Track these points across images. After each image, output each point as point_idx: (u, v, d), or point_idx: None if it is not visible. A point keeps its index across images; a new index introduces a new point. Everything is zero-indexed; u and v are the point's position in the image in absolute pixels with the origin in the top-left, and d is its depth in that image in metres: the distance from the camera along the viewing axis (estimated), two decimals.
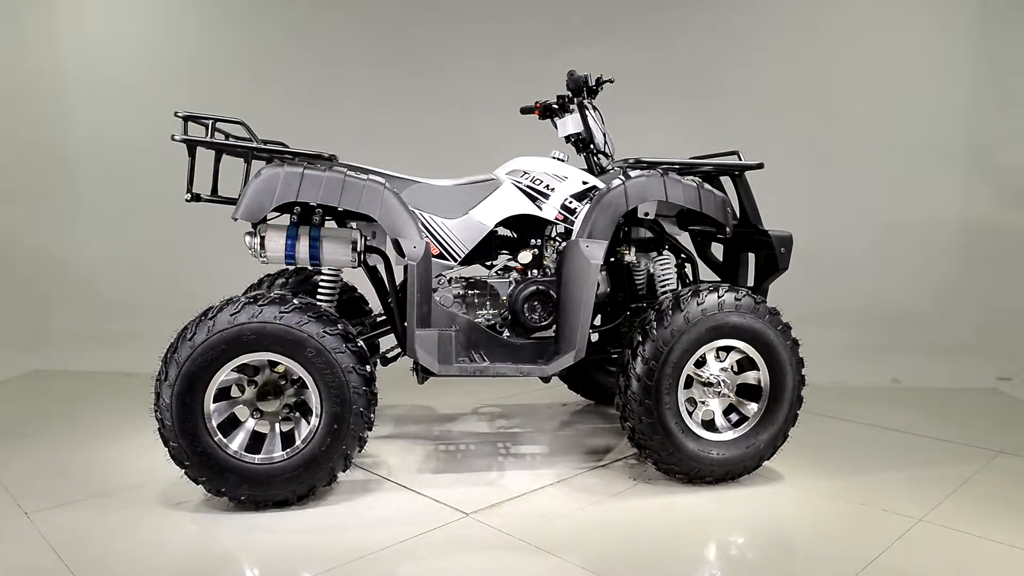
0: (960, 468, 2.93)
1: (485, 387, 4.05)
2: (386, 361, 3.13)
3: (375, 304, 3.21)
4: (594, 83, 3.04)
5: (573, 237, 2.75)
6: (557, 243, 2.88)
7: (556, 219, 2.81)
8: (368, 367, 2.41)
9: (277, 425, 2.43)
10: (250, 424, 2.40)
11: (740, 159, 3.03)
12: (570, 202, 2.81)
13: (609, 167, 2.98)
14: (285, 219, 2.59)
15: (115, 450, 2.99)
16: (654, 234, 3.05)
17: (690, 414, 2.66)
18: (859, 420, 3.60)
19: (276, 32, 4.99)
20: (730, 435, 2.68)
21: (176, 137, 2.34)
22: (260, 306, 2.31)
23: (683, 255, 3.11)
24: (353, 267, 2.63)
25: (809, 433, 3.21)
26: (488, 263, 2.95)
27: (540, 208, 2.80)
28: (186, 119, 2.39)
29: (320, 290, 2.76)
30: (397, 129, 4.95)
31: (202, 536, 2.24)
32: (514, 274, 2.87)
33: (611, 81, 3.06)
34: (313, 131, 4.44)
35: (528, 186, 2.83)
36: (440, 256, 2.72)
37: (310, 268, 2.94)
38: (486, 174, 2.93)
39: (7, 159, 4.68)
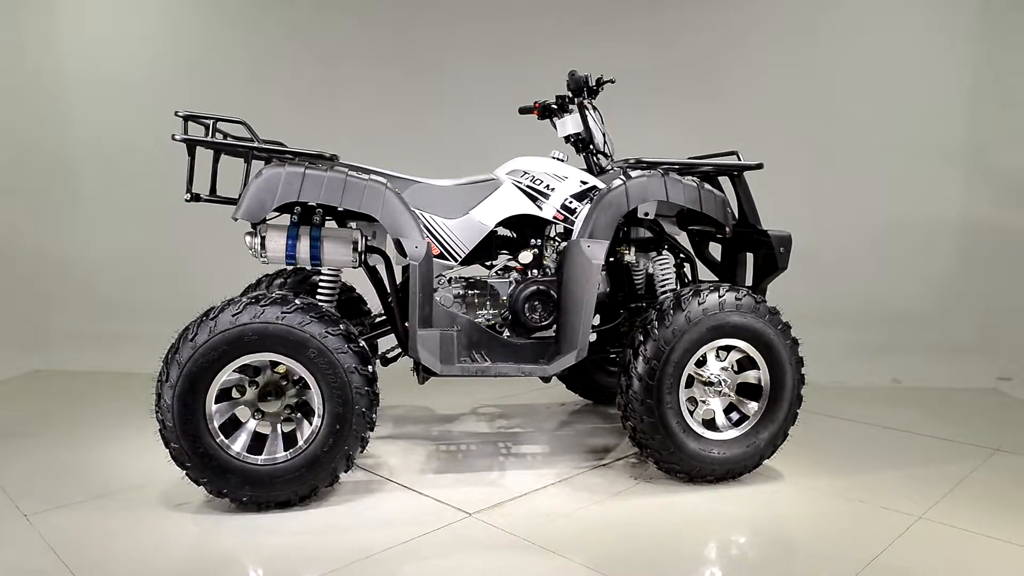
0: (958, 466, 2.94)
1: (484, 387, 4.05)
2: (386, 361, 3.13)
3: (373, 304, 3.21)
4: (595, 83, 3.04)
5: (574, 237, 2.75)
6: (557, 243, 2.88)
7: (556, 219, 2.81)
8: (370, 367, 2.41)
9: (279, 426, 2.43)
10: (252, 425, 2.40)
11: (739, 159, 3.03)
12: (570, 202, 2.81)
13: (608, 167, 2.98)
14: (285, 219, 2.58)
15: (115, 451, 2.99)
16: (653, 234, 3.05)
17: (691, 413, 2.66)
18: (859, 419, 3.60)
19: (276, 32, 4.98)
20: (731, 434, 2.69)
21: (176, 137, 2.34)
22: (262, 306, 2.31)
23: (682, 255, 3.11)
24: (354, 267, 2.63)
25: (809, 432, 3.22)
26: (488, 263, 2.95)
27: (540, 208, 2.80)
28: (187, 119, 2.39)
29: (320, 290, 2.76)
30: (397, 129, 4.95)
31: (203, 537, 2.24)
32: (514, 274, 2.87)
33: (612, 81, 3.06)
34: (313, 131, 4.44)
35: (528, 186, 2.83)
36: (441, 256, 2.72)
37: (310, 268, 2.94)
38: (486, 174, 2.93)
39: (7, 159, 4.68)
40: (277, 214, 2.54)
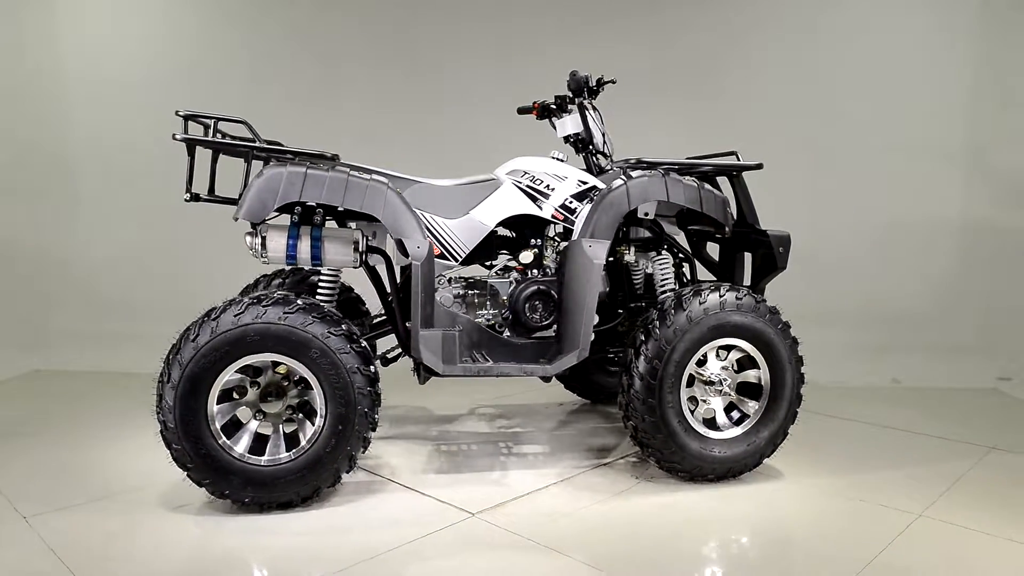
0: (956, 464, 2.95)
1: (484, 387, 4.05)
2: (387, 362, 3.13)
3: (372, 305, 3.20)
4: (595, 84, 3.04)
5: (575, 237, 2.75)
6: (557, 243, 2.88)
7: (556, 219, 2.81)
8: (372, 367, 2.41)
9: (280, 426, 2.43)
10: (253, 425, 2.40)
11: (739, 159, 3.04)
12: (570, 202, 2.81)
13: (608, 167, 2.98)
14: (286, 219, 2.58)
15: (115, 451, 2.98)
16: (653, 234, 3.05)
17: (692, 412, 2.67)
18: (859, 419, 3.60)
19: (276, 32, 4.98)
20: (731, 433, 2.69)
21: (177, 136, 2.34)
22: (264, 307, 2.30)
23: (681, 255, 3.12)
24: (355, 267, 2.63)
25: (809, 432, 3.22)
26: (487, 263, 2.95)
27: (540, 208, 2.81)
28: (187, 118, 2.39)
29: (320, 290, 2.75)
30: (397, 129, 4.95)
31: (205, 539, 2.24)
32: (514, 274, 2.88)
33: (612, 82, 3.06)
34: (313, 131, 4.44)
35: (528, 186, 2.83)
36: (441, 256, 2.72)
37: (310, 268, 2.93)
38: (486, 174, 2.93)
39: (7, 159, 4.67)
40: (277, 214, 2.54)
